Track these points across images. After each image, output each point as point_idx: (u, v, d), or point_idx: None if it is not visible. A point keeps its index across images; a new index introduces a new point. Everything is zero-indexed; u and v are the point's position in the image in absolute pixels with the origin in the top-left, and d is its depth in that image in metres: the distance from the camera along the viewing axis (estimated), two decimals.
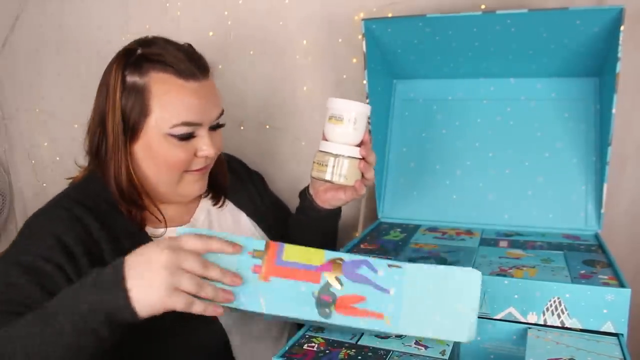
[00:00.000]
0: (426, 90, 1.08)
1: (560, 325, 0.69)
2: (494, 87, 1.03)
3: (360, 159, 0.82)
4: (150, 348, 0.77)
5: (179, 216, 0.89)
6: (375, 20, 0.95)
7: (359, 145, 0.83)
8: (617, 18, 0.82)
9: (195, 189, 0.87)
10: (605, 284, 0.69)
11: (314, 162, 0.84)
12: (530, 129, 1.00)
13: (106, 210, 0.81)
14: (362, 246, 0.89)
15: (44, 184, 1.49)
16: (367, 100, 0.99)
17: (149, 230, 0.84)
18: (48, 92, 1.43)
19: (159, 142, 0.80)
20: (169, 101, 0.78)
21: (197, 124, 0.80)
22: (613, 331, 0.67)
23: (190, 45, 0.85)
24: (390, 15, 1.09)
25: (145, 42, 0.82)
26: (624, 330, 0.67)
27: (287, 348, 0.66)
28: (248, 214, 0.97)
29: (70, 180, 0.90)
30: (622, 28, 0.82)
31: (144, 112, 0.78)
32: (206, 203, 0.94)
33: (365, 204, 1.04)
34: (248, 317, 0.86)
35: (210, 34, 1.22)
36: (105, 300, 0.61)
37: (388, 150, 1.08)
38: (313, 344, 0.67)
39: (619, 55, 0.82)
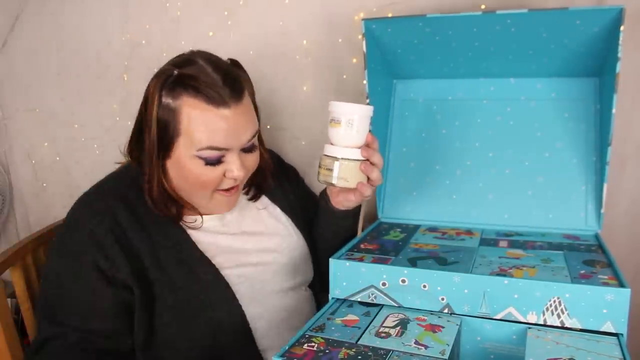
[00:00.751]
0: (426, 90, 1.08)
1: (560, 325, 0.69)
2: (494, 87, 1.03)
3: (362, 160, 0.82)
4: (172, 327, 0.83)
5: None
6: (375, 20, 0.95)
7: (363, 146, 0.83)
8: (617, 18, 0.82)
9: (224, 208, 0.90)
10: (605, 284, 0.69)
11: (319, 167, 0.85)
12: (530, 129, 1.00)
13: (134, 197, 0.86)
14: (362, 246, 0.89)
15: (44, 184, 1.49)
16: (367, 101, 0.99)
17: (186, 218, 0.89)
18: (48, 92, 1.43)
19: (189, 162, 0.81)
20: (196, 126, 0.79)
21: (224, 149, 0.81)
22: (613, 331, 0.67)
23: (230, 64, 0.85)
24: (390, 15, 1.09)
25: (184, 62, 0.82)
26: (623, 330, 0.67)
27: (287, 347, 0.66)
28: (282, 209, 1.00)
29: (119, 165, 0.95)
30: (622, 28, 0.82)
31: (175, 133, 0.80)
32: (242, 197, 0.96)
33: (365, 204, 1.04)
34: (275, 315, 0.91)
35: (210, 34, 1.22)
36: None
37: (388, 150, 1.08)
38: (313, 344, 0.67)
39: (619, 55, 0.82)
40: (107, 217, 0.83)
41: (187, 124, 0.79)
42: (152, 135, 0.81)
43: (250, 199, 0.98)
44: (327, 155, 0.84)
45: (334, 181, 0.83)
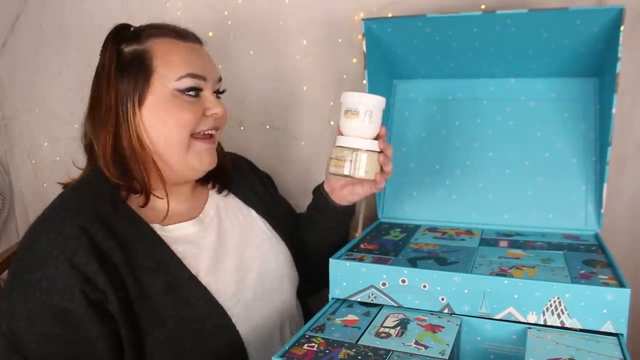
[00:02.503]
0: (426, 90, 1.08)
1: (560, 325, 0.69)
2: (494, 87, 1.03)
3: (378, 152, 0.82)
4: (169, 352, 0.74)
5: (187, 211, 0.87)
6: (375, 20, 0.95)
7: (376, 138, 0.82)
8: (617, 18, 0.82)
9: (204, 161, 0.83)
10: (605, 284, 0.68)
11: (330, 158, 0.83)
12: (530, 129, 1.00)
13: (107, 213, 0.75)
14: (362, 246, 0.89)
15: (44, 184, 1.49)
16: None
17: (155, 227, 0.80)
18: (48, 92, 1.44)
19: (167, 101, 0.79)
20: (171, 58, 0.79)
21: (202, 77, 0.81)
22: (613, 331, 0.67)
23: None
24: (390, 15, 1.09)
25: (132, 26, 0.85)
26: (623, 330, 0.67)
27: (287, 348, 0.66)
28: (257, 211, 0.96)
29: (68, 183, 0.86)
30: (622, 28, 0.82)
31: (149, 71, 0.79)
32: (214, 198, 0.93)
33: (365, 204, 1.04)
34: (267, 329, 0.86)
35: (210, 34, 1.22)
36: None
37: None
38: (313, 344, 0.67)
39: (619, 55, 0.82)
40: (83, 239, 0.70)
41: (162, 57, 0.79)
42: (112, 94, 0.78)
43: (219, 193, 0.94)
44: (343, 147, 0.81)
45: (352, 172, 0.81)
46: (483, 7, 1.03)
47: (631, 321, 0.67)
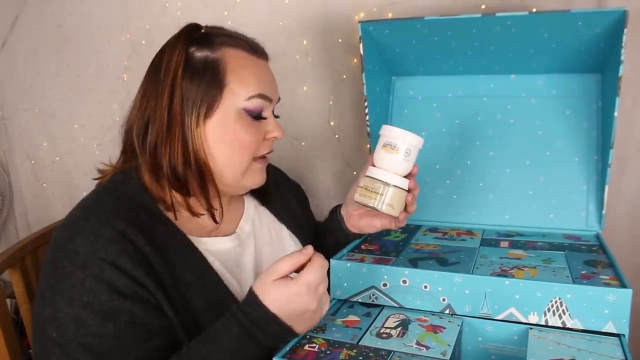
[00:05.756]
0: (425, 87, 1.07)
1: (561, 325, 0.69)
2: (494, 84, 1.02)
3: (407, 190, 0.82)
4: None
5: (223, 224, 0.82)
6: (372, 22, 0.94)
7: (407, 176, 0.82)
8: (620, 20, 0.81)
9: (257, 180, 0.81)
10: (607, 285, 0.68)
11: (359, 187, 0.82)
12: (531, 127, 0.99)
13: (144, 219, 0.72)
14: (362, 247, 0.89)
15: (44, 184, 1.49)
16: (366, 103, 0.98)
17: (192, 239, 0.76)
18: (48, 92, 1.43)
19: (233, 120, 0.75)
20: (245, 75, 0.76)
21: (269, 99, 0.78)
22: (614, 332, 0.67)
23: None
24: (390, 15, 1.09)
25: (203, 27, 0.80)
26: (625, 330, 0.67)
27: (288, 348, 0.66)
28: (289, 227, 0.93)
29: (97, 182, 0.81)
30: (625, 30, 0.81)
31: (219, 85, 0.74)
32: (250, 212, 0.89)
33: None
34: None
35: None
36: (276, 346, 0.66)
37: None
38: (314, 345, 0.67)
39: (622, 58, 0.82)
40: (126, 244, 0.67)
41: (236, 72, 0.75)
42: (177, 100, 0.72)
43: (260, 204, 0.92)
44: (376, 179, 0.81)
45: (381, 207, 0.80)
46: (483, 7, 1.03)
47: (632, 322, 0.67)
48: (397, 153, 0.80)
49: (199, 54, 0.74)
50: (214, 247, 0.78)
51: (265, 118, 0.79)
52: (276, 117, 0.83)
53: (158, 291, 0.68)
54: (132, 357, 0.66)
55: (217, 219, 0.78)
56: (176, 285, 0.70)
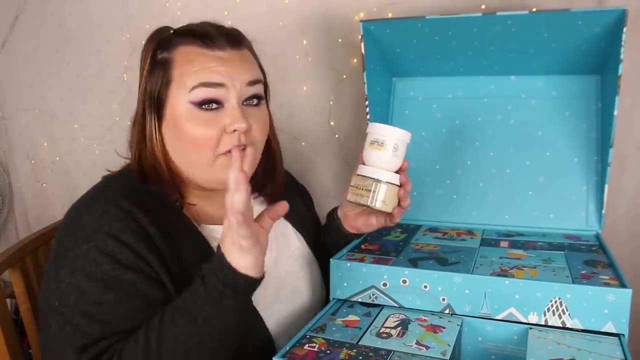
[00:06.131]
0: (426, 88, 1.07)
1: (561, 325, 0.69)
2: (494, 85, 1.02)
3: (399, 185, 0.82)
4: None
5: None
6: (373, 21, 0.95)
7: (398, 172, 0.82)
8: (619, 19, 0.82)
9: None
10: (606, 284, 0.68)
11: (351, 186, 0.83)
12: (531, 127, 0.99)
13: (151, 202, 0.74)
14: (362, 246, 0.89)
15: (44, 184, 1.49)
16: (367, 102, 0.99)
17: (199, 226, 0.78)
18: (48, 92, 1.44)
19: (185, 117, 0.72)
20: (188, 68, 0.72)
21: (219, 85, 0.72)
22: (614, 331, 0.67)
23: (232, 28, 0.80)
24: (390, 15, 1.09)
25: (172, 29, 0.80)
26: (625, 330, 0.67)
27: (287, 348, 0.66)
28: (293, 224, 0.93)
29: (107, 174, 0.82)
30: (624, 29, 0.81)
31: (167, 83, 0.74)
32: (256, 208, 0.85)
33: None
34: (295, 324, 0.84)
35: None
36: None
37: None
38: (314, 344, 0.67)
39: (621, 57, 0.82)
40: (130, 221, 0.69)
41: (181, 67, 0.73)
42: (141, 99, 0.75)
43: (260, 202, 0.90)
44: (365, 176, 0.81)
45: (374, 204, 0.80)
46: (483, 7, 1.03)
47: (632, 321, 0.67)
48: (385, 149, 0.80)
49: (160, 56, 0.75)
50: (219, 234, 0.77)
51: (220, 107, 0.73)
52: (258, 99, 0.78)
53: (160, 267, 0.69)
54: (131, 326, 0.67)
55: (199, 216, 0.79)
56: (179, 264, 0.72)
